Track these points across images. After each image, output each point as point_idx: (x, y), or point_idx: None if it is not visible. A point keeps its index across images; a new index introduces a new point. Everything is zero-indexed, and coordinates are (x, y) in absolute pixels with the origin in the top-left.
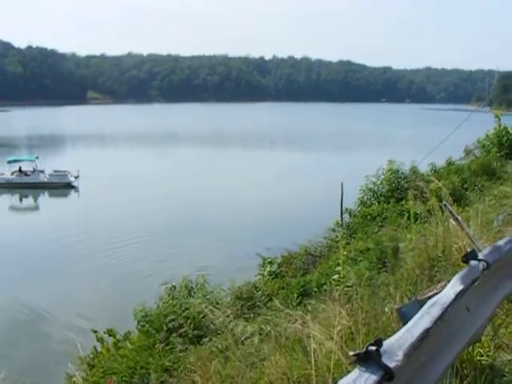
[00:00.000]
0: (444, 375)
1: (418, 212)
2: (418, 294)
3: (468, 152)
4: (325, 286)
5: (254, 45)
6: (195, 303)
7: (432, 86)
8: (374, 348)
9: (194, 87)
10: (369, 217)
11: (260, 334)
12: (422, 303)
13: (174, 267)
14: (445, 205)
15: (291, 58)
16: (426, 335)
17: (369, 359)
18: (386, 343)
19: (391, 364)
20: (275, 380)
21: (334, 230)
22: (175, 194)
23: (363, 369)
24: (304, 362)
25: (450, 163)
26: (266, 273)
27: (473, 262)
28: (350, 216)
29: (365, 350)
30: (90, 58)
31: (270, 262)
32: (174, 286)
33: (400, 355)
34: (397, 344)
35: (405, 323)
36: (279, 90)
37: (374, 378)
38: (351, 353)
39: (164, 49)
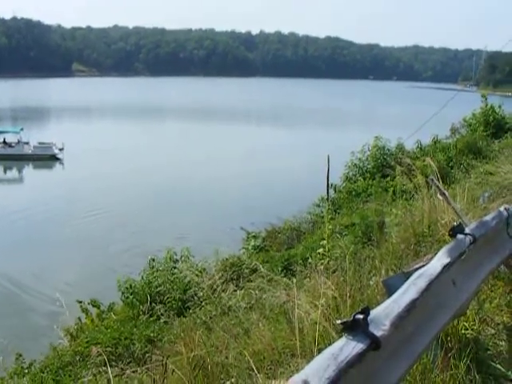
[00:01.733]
0: (429, 347)
1: (404, 188)
2: (403, 267)
3: (454, 131)
4: (309, 260)
5: (241, 19)
6: (179, 275)
7: (419, 64)
8: (361, 316)
9: (181, 61)
10: (354, 192)
11: (245, 306)
12: (407, 276)
13: (156, 240)
14: (432, 180)
15: (278, 34)
16: (412, 306)
17: (356, 327)
18: (373, 313)
19: (378, 333)
20: (260, 350)
21: (318, 206)
22: (159, 167)
23: (350, 337)
24: (289, 332)
25: (436, 141)
26: (250, 247)
27: (459, 236)
28: (335, 191)
29: (352, 318)
30: (75, 29)
31: (254, 237)
32: (154, 259)
33: (387, 325)
34: (383, 314)
35: (390, 295)
36: (266, 66)
37: (361, 346)
38: (338, 321)
39: (149, 22)
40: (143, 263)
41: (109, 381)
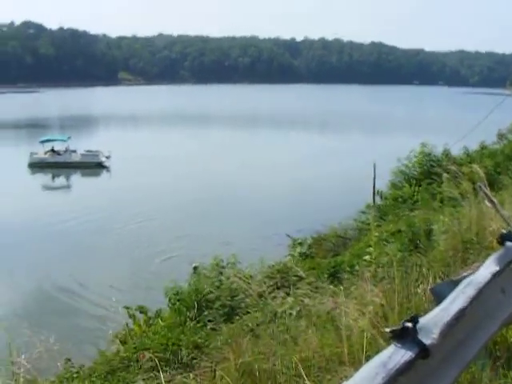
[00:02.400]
0: (478, 356)
1: (451, 195)
2: (451, 275)
3: (501, 136)
4: (356, 267)
5: (285, 27)
6: (226, 281)
7: (465, 68)
8: (410, 324)
9: (225, 68)
10: (400, 199)
11: (291, 313)
12: (456, 283)
13: (203, 247)
14: (479, 186)
15: (323, 40)
16: (461, 314)
17: (405, 336)
18: (422, 321)
19: (427, 341)
20: (307, 357)
21: (364, 213)
22: (206, 174)
23: (399, 345)
24: (336, 340)
25: (483, 147)
26: (296, 254)
27: (509, 244)
28: (381, 198)
29: (401, 326)
30: (121, 39)
31: (300, 243)
32: (200, 266)
33: (436, 333)
34: (432, 322)
35: (438, 303)
36: (311, 72)
37: (410, 354)
38: (387, 329)
39: (193, 30)
40: (188, 269)
41: None
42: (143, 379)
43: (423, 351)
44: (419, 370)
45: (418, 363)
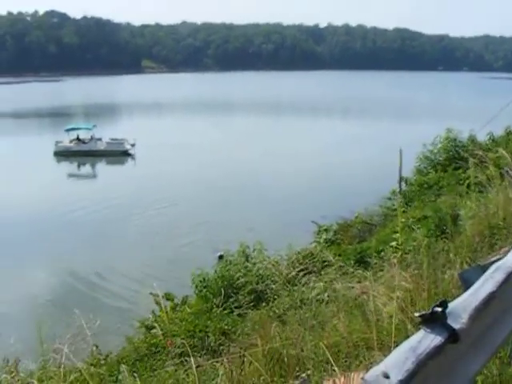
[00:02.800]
0: (506, 341)
1: (478, 180)
2: (478, 260)
3: None
4: (382, 253)
5: (308, 13)
6: (253, 268)
7: (490, 54)
8: (439, 309)
9: (249, 55)
10: (425, 185)
11: (318, 299)
12: (484, 269)
13: (228, 234)
14: (506, 172)
15: (346, 26)
16: (490, 299)
17: (434, 320)
18: (451, 306)
19: (456, 326)
20: (335, 343)
21: (389, 199)
22: (230, 162)
23: (428, 330)
24: (364, 325)
25: (508, 132)
26: (321, 240)
27: None
28: (407, 184)
29: (430, 311)
30: (144, 27)
31: (326, 230)
32: (227, 253)
33: (465, 318)
34: (461, 307)
35: (466, 288)
36: (334, 58)
37: (440, 339)
38: (416, 314)
39: (217, 17)
40: (212, 256)
41: (187, 371)
42: (173, 365)
43: (453, 336)
44: (449, 355)
45: (448, 348)
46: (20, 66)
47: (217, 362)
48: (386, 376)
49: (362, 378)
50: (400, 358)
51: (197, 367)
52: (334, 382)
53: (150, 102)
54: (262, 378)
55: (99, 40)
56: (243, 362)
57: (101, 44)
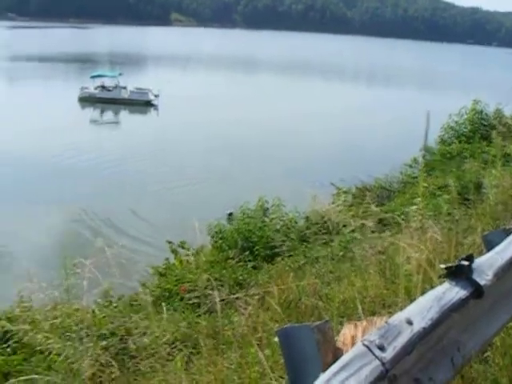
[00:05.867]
0: None
1: (503, 151)
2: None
3: None
4: (402, 217)
5: None
6: (270, 223)
7: None
8: (466, 263)
9: (278, 15)
10: (448, 155)
11: (332, 258)
12: (508, 233)
13: (245, 193)
14: None
15: None
16: None
17: (460, 273)
18: (476, 262)
19: (481, 282)
20: (349, 297)
21: (410, 166)
22: (250, 119)
23: (453, 283)
24: (380, 282)
25: None
26: (340, 202)
27: None
28: (429, 153)
29: (457, 263)
30: None
31: (345, 192)
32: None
33: (490, 275)
34: (487, 264)
35: (489, 250)
36: (364, 24)
37: (464, 292)
38: (442, 265)
39: None
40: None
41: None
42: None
43: (477, 291)
44: (472, 310)
45: (471, 303)
46: (49, 11)
47: (237, 298)
48: (410, 322)
49: (386, 322)
50: (425, 306)
51: (221, 300)
52: (356, 325)
53: (177, 54)
54: (277, 326)
55: None
56: (263, 303)
57: None
